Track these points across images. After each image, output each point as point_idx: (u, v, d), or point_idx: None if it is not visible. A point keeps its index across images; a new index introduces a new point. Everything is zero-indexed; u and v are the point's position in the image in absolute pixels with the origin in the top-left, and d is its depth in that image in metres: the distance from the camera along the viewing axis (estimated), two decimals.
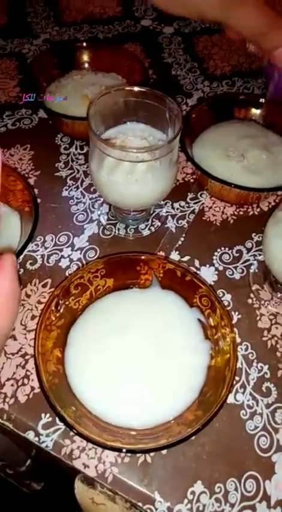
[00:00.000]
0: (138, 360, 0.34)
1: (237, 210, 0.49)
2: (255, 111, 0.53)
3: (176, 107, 0.38)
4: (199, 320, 0.36)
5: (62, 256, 0.44)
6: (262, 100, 0.52)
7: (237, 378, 0.37)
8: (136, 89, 0.40)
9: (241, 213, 0.49)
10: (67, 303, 0.38)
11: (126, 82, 0.56)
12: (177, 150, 0.39)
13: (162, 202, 0.49)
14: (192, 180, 0.52)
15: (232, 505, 0.32)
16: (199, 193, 0.50)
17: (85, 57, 0.57)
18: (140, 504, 0.32)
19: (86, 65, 0.58)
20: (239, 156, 0.48)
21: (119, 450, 0.30)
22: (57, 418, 0.34)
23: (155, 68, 0.65)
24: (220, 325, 0.35)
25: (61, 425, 0.34)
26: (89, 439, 0.30)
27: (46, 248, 0.45)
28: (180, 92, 0.62)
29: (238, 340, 0.39)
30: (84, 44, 0.58)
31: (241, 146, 0.49)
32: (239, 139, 0.49)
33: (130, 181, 0.37)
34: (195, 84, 0.63)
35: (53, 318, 0.36)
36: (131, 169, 0.36)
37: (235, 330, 0.39)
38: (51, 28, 0.72)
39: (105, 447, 0.30)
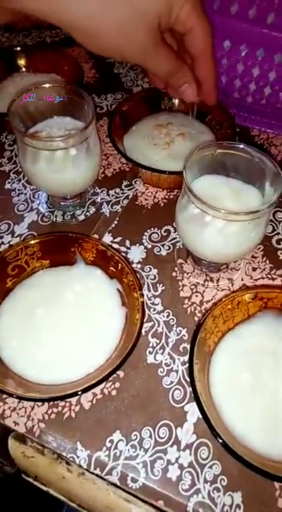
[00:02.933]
0: (61, 326, 0.38)
1: (168, 194, 0.53)
2: (183, 103, 0.57)
3: (90, 100, 0.42)
4: (118, 290, 0.41)
5: (3, 243, 0.48)
6: None
7: (157, 341, 0.41)
8: (57, 86, 0.44)
9: (171, 196, 0.53)
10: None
11: (64, 81, 0.60)
12: (94, 139, 0.43)
13: (98, 190, 0.53)
14: (127, 169, 0.56)
15: (146, 450, 0.36)
16: (133, 181, 0.54)
17: (26, 61, 0.61)
18: (64, 454, 0.36)
19: (27, 68, 0.62)
20: (164, 144, 0.52)
21: (42, 400, 0.34)
22: None
23: (98, 68, 0.70)
24: (132, 291, 0.39)
25: None
26: (16, 396, 0.33)
27: None
28: (121, 88, 0.66)
29: (161, 308, 0.44)
30: (19, 49, 0.62)
31: (167, 135, 0.53)
32: (165, 129, 0.53)
33: (52, 170, 0.41)
34: (136, 80, 0.68)
35: None
36: (50, 157, 0.40)
37: (144, 293, 0.44)
38: (1, 35, 0.76)
39: (29, 399, 0.34)
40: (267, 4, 0.46)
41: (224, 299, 0.39)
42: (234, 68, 0.53)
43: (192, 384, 0.35)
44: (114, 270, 0.42)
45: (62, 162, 0.41)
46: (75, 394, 0.33)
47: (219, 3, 0.48)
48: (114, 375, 0.39)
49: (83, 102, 0.43)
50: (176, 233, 0.49)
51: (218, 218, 0.35)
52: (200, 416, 0.36)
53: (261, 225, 0.37)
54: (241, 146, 0.38)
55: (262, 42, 0.49)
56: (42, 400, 0.34)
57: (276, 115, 0.57)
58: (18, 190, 0.53)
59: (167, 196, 0.53)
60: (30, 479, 0.39)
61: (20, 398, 0.33)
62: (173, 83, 0.41)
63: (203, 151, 0.38)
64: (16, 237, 0.49)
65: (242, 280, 0.46)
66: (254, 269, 0.47)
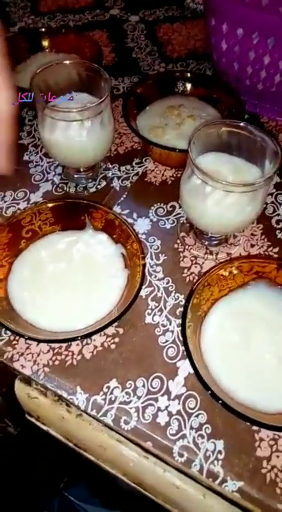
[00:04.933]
0: (67, 281, 0.42)
1: (176, 172, 0.56)
2: (196, 87, 0.60)
3: (106, 77, 0.45)
4: (122, 253, 0.44)
5: (19, 209, 0.52)
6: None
7: (156, 304, 0.45)
8: (76, 63, 0.47)
9: (179, 175, 0.56)
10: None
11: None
12: (108, 114, 0.46)
13: (110, 166, 0.56)
14: (139, 148, 0.59)
15: (139, 397, 0.39)
16: (144, 159, 0.58)
17: (49, 42, 0.65)
18: (64, 396, 0.39)
19: (50, 48, 0.65)
20: (175, 124, 0.55)
21: (47, 341, 0.38)
22: (3, 330, 0.42)
23: (117, 51, 0.73)
24: (135, 256, 0.42)
25: (5, 336, 0.42)
26: (26, 337, 0.37)
27: (5, 202, 0.52)
28: (138, 72, 0.69)
29: (161, 275, 0.47)
30: (43, 30, 0.66)
31: (178, 116, 0.56)
32: (177, 111, 0.56)
33: (67, 140, 0.45)
34: (153, 65, 0.70)
35: (4, 255, 0.44)
36: (66, 128, 0.44)
37: (147, 261, 0.47)
38: (27, 17, 0.79)
39: (36, 340, 0.38)
40: None
41: (219, 265, 0.42)
42: (246, 55, 0.55)
43: (185, 342, 0.38)
44: (120, 236, 0.45)
45: (77, 132, 0.44)
46: (76, 338, 0.37)
47: None
48: (114, 331, 0.42)
49: (99, 79, 0.47)
50: (181, 209, 0.52)
51: (217, 189, 0.38)
52: (191, 372, 0.39)
53: (257, 200, 0.40)
54: (244, 124, 0.41)
55: (273, 30, 0.51)
56: (47, 341, 0.38)
57: None
58: (36, 162, 0.57)
59: (174, 175, 0.56)
60: (33, 419, 0.43)
61: (28, 338, 0.37)
62: None
63: (208, 128, 0.41)
64: (31, 204, 0.52)
65: (240, 255, 0.49)
66: (252, 245, 0.50)
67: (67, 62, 0.46)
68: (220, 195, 0.39)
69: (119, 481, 0.41)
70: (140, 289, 0.39)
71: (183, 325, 0.39)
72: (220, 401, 0.34)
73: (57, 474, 0.91)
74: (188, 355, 0.38)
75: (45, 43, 0.66)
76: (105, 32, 0.76)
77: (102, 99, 0.43)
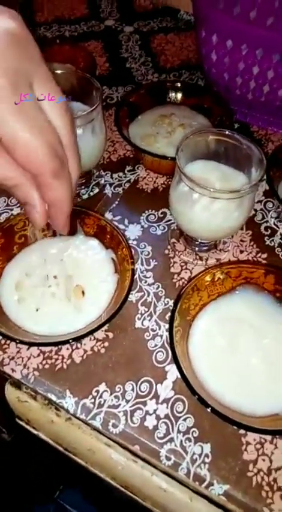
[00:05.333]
0: (59, 286, 0.42)
1: (167, 180, 0.57)
2: (187, 97, 0.61)
3: (98, 86, 0.46)
4: (112, 259, 0.45)
5: (12, 214, 0.52)
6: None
7: (146, 309, 0.45)
8: (69, 73, 0.48)
9: (170, 182, 0.57)
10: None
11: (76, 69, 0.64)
12: (100, 122, 0.47)
13: (102, 173, 0.57)
14: (131, 156, 0.60)
15: (127, 401, 0.40)
16: (136, 166, 0.59)
17: (44, 52, 0.66)
18: (54, 399, 0.40)
19: (46, 58, 0.66)
20: (166, 133, 0.56)
21: (37, 344, 0.38)
22: None
23: (112, 62, 0.74)
24: (125, 261, 0.43)
25: None
26: (18, 341, 0.38)
27: None
28: (132, 82, 0.70)
29: (152, 281, 0.47)
30: (38, 40, 0.67)
31: (169, 125, 0.57)
32: (168, 120, 0.57)
33: None
34: (146, 75, 0.72)
35: None
36: None
37: (136, 266, 0.48)
38: None
39: (26, 343, 0.39)
40: (268, 7, 0.50)
41: (207, 270, 0.42)
42: (235, 66, 0.56)
43: (172, 347, 0.39)
44: (111, 242, 0.46)
45: None
46: (65, 342, 0.37)
47: (223, 4, 0.52)
48: (104, 335, 0.43)
49: (91, 89, 0.48)
50: (172, 215, 0.53)
51: (204, 195, 0.39)
52: (179, 376, 0.40)
53: (244, 206, 0.41)
54: (231, 133, 0.42)
55: (261, 42, 0.52)
56: (38, 345, 0.39)
57: (274, 112, 0.61)
58: None
59: (166, 182, 0.57)
60: (23, 423, 0.43)
61: (19, 342, 0.38)
62: (15, 196, 0.30)
63: (196, 137, 0.42)
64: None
65: (229, 260, 0.49)
66: (242, 251, 0.50)
67: (60, 71, 0.47)
68: (207, 201, 0.39)
69: (113, 490, 0.42)
70: (128, 293, 0.40)
71: (170, 330, 0.39)
72: (209, 408, 0.35)
73: (52, 481, 0.91)
74: (175, 359, 0.38)
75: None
76: (100, 42, 0.78)
77: (93, 107, 0.44)
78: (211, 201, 0.39)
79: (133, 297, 0.46)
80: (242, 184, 0.43)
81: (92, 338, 0.43)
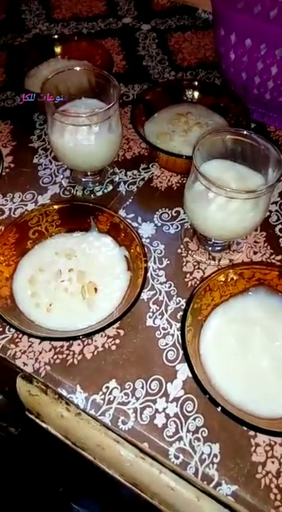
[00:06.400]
0: (73, 281, 0.43)
1: (182, 178, 0.57)
2: (204, 96, 0.60)
3: (115, 83, 0.46)
4: (125, 256, 0.45)
5: (27, 210, 0.53)
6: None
7: (157, 307, 0.45)
8: (87, 70, 0.48)
9: (184, 181, 0.57)
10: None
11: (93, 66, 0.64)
12: (116, 120, 0.47)
13: (117, 170, 0.57)
14: (146, 154, 0.60)
15: (137, 398, 0.40)
16: (150, 165, 0.58)
17: (62, 48, 0.66)
18: (64, 394, 0.40)
19: (62, 55, 0.67)
20: (182, 131, 0.56)
21: (48, 339, 0.38)
22: (7, 328, 0.43)
23: (129, 59, 0.74)
24: (138, 259, 0.43)
25: (9, 334, 0.43)
26: (29, 334, 0.38)
27: (14, 203, 0.54)
28: (148, 80, 0.70)
29: (164, 279, 0.47)
30: (56, 37, 0.68)
31: (186, 123, 0.57)
32: (184, 118, 0.57)
33: (76, 144, 0.46)
34: (163, 73, 0.71)
35: (11, 255, 0.45)
36: (75, 132, 0.45)
37: (149, 264, 0.48)
38: (42, 24, 0.81)
39: (38, 337, 0.39)
40: None
41: (220, 270, 0.42)
42: (254, 65, 0.56)
43: (184, 346, 0.39)
44: (124, 239, 0.46)
45: (85, 137, 0.45)
46: (77, 337, 0.38)
47: (243, 3, 0.51)
48: (115, 333, 0.43)
49: (109, 86, 0.48)
50: (185, 214, 0.53)
51: (220, 195, 0.38)
52: (189, 375, 0.40)
53: (259, 207, 0.41)
54: (248, 133, 0.42)
55: (281, 42, 0.52)
56: (50, 339, 0.39)
57: None
58: (45, 165, 0.58)
59: (180, 181, 0.57)
60: (33, 417, 0.43)
61: (31, 336, 0.38)
62: None
63: (213, 136, 0.42)
64: (39, 206, 0.53)
65: (243, 261, 0.49)
66: (255, 253, 0.50)
67: (77, 68, 0.47)
68: (223, 201, 0.39)
69: (120, 488, 0.42)
70: (141, 291, 0.40)
71: (182, 329, 0.39)
72: (220, 408, 0.35)
73: (57, 477, 0.91)
74: (187, 359, 0.38)
75: (58, 49, 0.67)
76: (117, 40, 0.78)
77: (111, 105, 0.44)
78: (227, 200, 0.39)
79: (145, 295, 0.46)
80: (258, 185, 0.42)
81: (103, 335, 0.43)
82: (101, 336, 0.43)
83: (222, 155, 0.45)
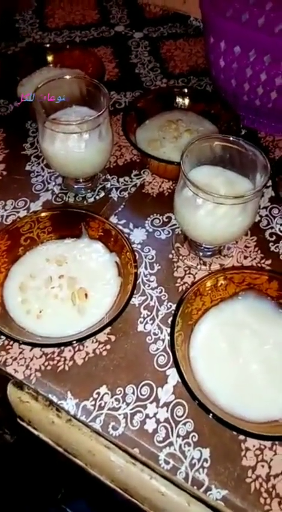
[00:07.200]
0: (63, 288, 0.43)
1: (173, 184, 0.57)
2: (194, 103, 0.61)
3: (105, 92, 0.47)
4: (116, 262, 0.45)
5: (19, 217, 0.53)
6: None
7: (148, 313, 0.45)
8: (77, 78, 0.49)
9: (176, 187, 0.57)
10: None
11: (84, 75, 0.65)
12: (106, 127, 0.48)
13: (109, 177, 0.58)
14: (138, 160, 0.60)
15: (128, 404, 0.40)
16: (142, 171, 0.59)
17: (54, 57, 0.67)
18: (55, 400, 0.40)
19: (54, 63, 0.67)
20: (172, 138, 0.56)
21: (39, 345, 0.38)
22: None
23: (121, 67, 0.75)
24: (128, 264, 0.43)
25: None
26: (21, 342, 0.39)
27: (6, 210, 0.54)
28: (140, 87, 0.71)
29: (155, 285, 0.48)
30: (49, 45, 0.69)
31: (176, 130, 0.57)
32: (175, 125, 0.58)
33: (66, 151, 0.46)
34: (155, 81, 0.72)
35: (2, 262, 0.45)
36: (66, 140, 0.45)
37: (140, 269, 0.48)
38: (35, 33, 0.82)
39: (29, 344, 0.39)
40: (276, 15, 0.50)
41: (210, 275, 0.42)
42: (243, 72, 0.56)
43: (173, 351, 0.39)
44: (115, 246, 0.46)
45: (76, 144, 0.46)
46: (67, 343, 0.38)
47: (232, 11, 0.52)
48: (106, 338, 0.43)
49: (99, 94, 0.48)
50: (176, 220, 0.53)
51: (208, 201, 0.39)
52: (180, 380, 0.40)
53: (248, 211, 0.41)
54: (236, 139, 0.42)
55: (269, 49, 0.52)
56: (41, 345, 0.39)
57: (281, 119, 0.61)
58: (37, 172, 0.58)
59: (171, 187, 0.57)
60: (24, 424, 0.43)
61: (22, 343, 0.38)
62: None
63: (201, 142, 0.43)
64: (31, 213, 0.54)
65: (233, 266, 0.49)
66: (246, 257, 0.50)
67: (68, 77, 0.48)
68: (211, 206, 0.40)
69: (116, 494, 0.42)
70: (131, 297, 0.40)
71: (172, 334, 0.39)
72: (211, 414, 0.35)
73: (54, 484, 0.91)
74: (176, 364, 0.38)
75: (50, 58, 0.68)
76: (110, 48, 0.79)
77: (101, 112, 0.45)
78: (215, 206, 0.39)
79: (136, 300, 0.46)
80: (246, 190, 0.43)
81: (94, 340, 0.43)
82: (92, 341, 0.43)
83: (211, 161, 0.45)
